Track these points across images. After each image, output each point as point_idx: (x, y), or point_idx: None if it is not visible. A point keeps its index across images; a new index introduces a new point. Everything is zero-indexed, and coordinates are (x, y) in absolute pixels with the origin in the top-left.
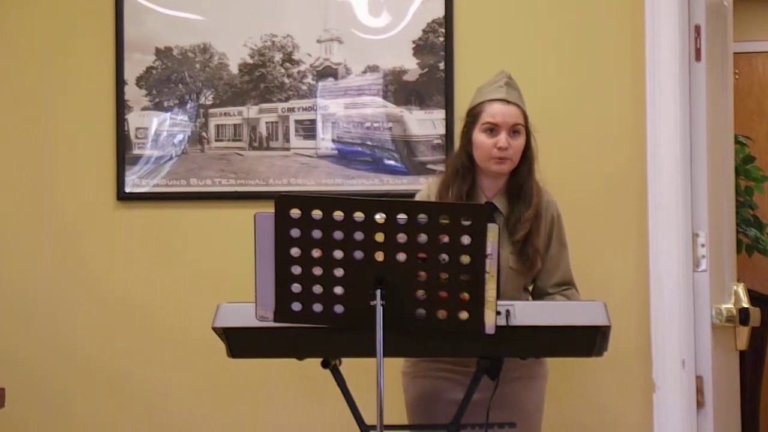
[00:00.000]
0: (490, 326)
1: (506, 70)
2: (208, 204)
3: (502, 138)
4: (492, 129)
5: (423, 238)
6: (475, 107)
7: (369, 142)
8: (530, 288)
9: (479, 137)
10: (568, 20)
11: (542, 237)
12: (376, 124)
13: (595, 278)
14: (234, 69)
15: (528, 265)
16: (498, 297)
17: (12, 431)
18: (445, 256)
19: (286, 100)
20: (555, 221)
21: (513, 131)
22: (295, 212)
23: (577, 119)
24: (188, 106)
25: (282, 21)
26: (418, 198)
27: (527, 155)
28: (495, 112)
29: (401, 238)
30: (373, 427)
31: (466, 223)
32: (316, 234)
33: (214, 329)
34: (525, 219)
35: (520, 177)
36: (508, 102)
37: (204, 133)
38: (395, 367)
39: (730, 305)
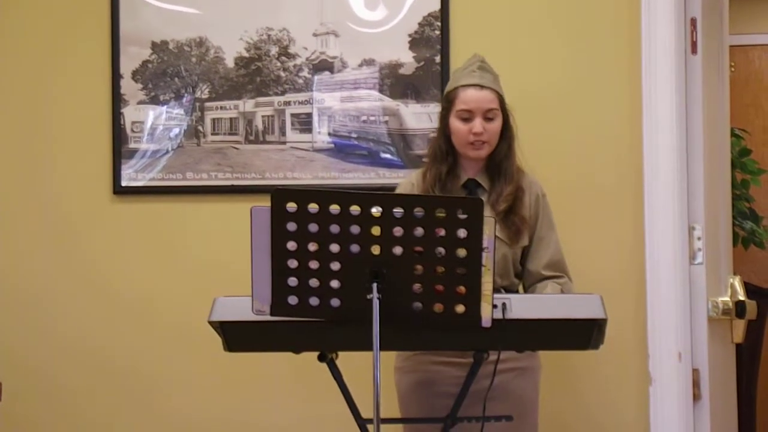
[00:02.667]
0: (486, 319)
1: (479, 54)
2: (204, 198)
3: (477, 124)
4: (467, 115)
5: (419, 231)
6: (449, 93)
7: (365, 136)
8: (520, 275)
9: (455, 123)
10: (564, 12)
11: (527, 209)
12: (372, 118)
13: (592, 271)
14: (230, 63)
15: (514, 231)
16: None
17: (9, 425)
18: (441, 250)
19: (282, 93)
20: (540, 200)
21: (488, 116)
22: (291, 206)
23: (573, 112)
24: (184, 99)
25: (278, 14)
26: (399, 188)
27: (506, 135)
28: (468, 98)
29: (398, 231)
30: (370, 420)
31: (463, 216)
32: (313, 228)
33: (211, 323)
34: (507, 193)
35: (500, 155)
36: (481, 87)
37: (200, 127)
38: (392, 360)
39: (726, 298)
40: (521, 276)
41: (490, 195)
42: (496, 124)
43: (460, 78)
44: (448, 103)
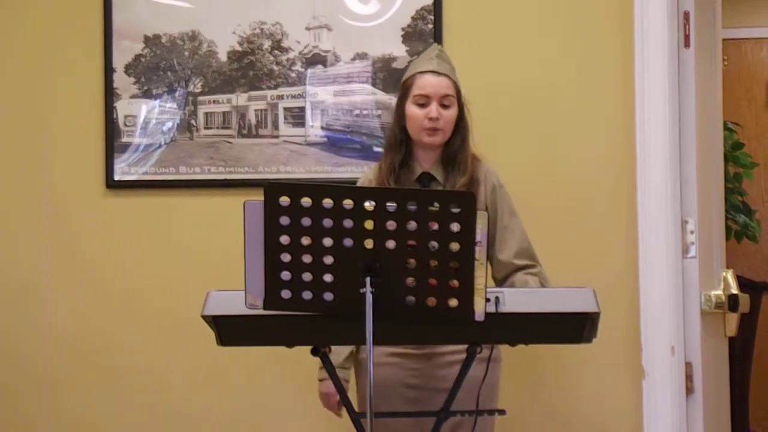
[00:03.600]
0: (479, 313)
1: (439, 44)
2: (197, 192)
3: (433, 109)
4: (423, 101)
5: (412, 225)
6: (406, 80)
7: (358, 130)
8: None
9: (411, 109)
10: (556, 8)
11: (481, 200)
12: (365, 112)
13: (585, 265)
14: (223, 56)
15: None
16: None
17: (2, 417)
18: (434, 244)
19: (275, 87)
20: (497, 189)
21: (443, 103)
22: (284, 200)
23: (566, 106)
24: (177, 93)
25: (271, 8)
26: (359, 183)
27: (460, 126)
28: (426, 83)
29: (391, 225)
30: (363, 414)
31: (456, 210)
32: (306, 222)
33: (204, 317)
34: (460, 184)
35: (454, 146)
36: (438, 73)
37: (193, 121)
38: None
39: (719, 292)
40: (492, 266)
41: (444, 187)
42: (452, 112)
43: (418, 65)
44: (404, 90)
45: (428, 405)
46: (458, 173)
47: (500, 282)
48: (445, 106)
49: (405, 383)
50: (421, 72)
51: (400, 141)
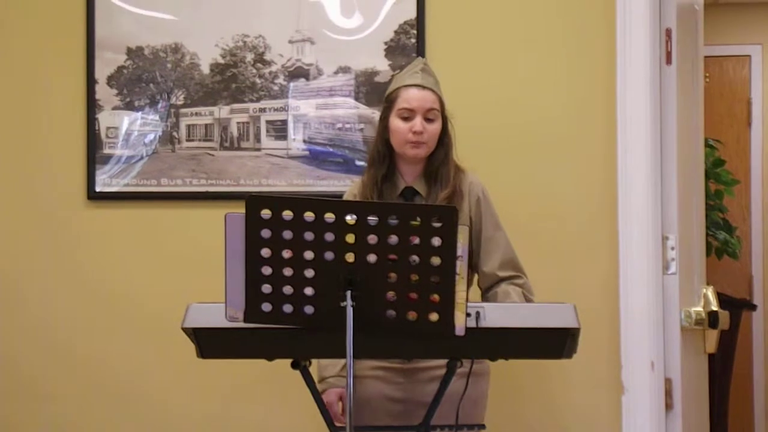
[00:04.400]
0: (460, 328)
1: (423, 58)
2: (178, 204)
3: (417, 122)
4: (408, 114)
5: (393, 239)
6: (391, 93)
7: (340, 143)
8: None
9: (395, 122)
10: (539, 23)
11: (465, 212)
12: (347, 125)
13: (566, 280)
14: (205, 69)
15: None
16: None
17: None
18: (415, 258)
19: (258, 100)
20: (482, 201)
21: (428, 117)
22: (265, 213)
23: (547, 122)
24: (159, 105)
25: (254, 21)
26: (345, 196)
27: (444, 140)
28: (410, 97)
29: (372, 239)
30: (343, 428)
31: (437, 224)
32: (287, 235)
33: (184, 329)
34: (441, 197)
35: (437, 161)
36: (423, 87)
37: (175, 133)
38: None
39: (699, 308)
40: (478, 278)
41: (427, 201)
42: (436, 126)
43: (403, 79)
44: (388, 103)
45: (412, 419)
46: (440, 186)
47: (484, 292)
48: (429, 120)
49: (389, 397)
50: (406, 86)
51: (384, 155)
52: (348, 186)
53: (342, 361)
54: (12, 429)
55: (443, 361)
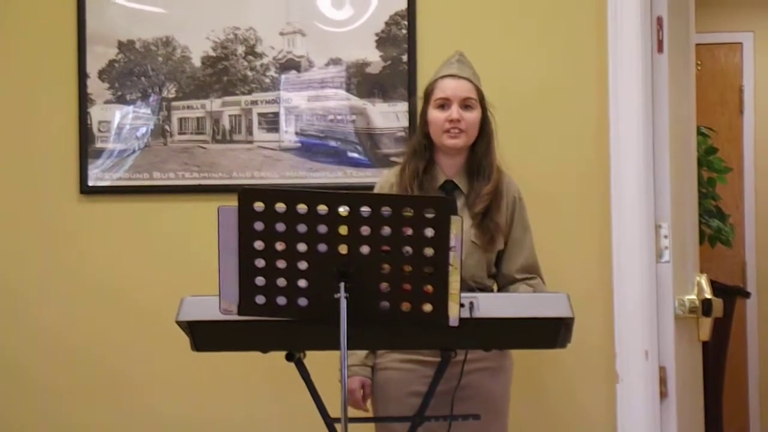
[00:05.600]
0: (453, 318)
1: (460, 50)
2: (171, 197)
3: (454, 111)
4: (444, 104)
5: (387, 230)
6: (428, 87)
7: (332, 135)
8: (495, 276)
9: (433, 113)
10: (531, 11)
11: (503, 212)
12: (339, 117)
13: (559, 270)
14: (197, 62)
15: (488, 238)
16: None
17: None
18: (408, 249)
19: (249, 93)
20: (517, 203)
21: (465, 105)
22: (258, 205)
23: (539, 111)
24: (151, 99)
25: (244, 14)
26: (377, 186)
27: (485, 131)
28: (445, 86)
29: (365, 230)
30: (338, 419)
31: (430, 215)
32: (280, 227)
33: (178, 323)
34: (484, 193)
35: (479, 153)
36: (458, 77)
37: (167, 127)
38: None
39: (693, 296)
40: (495, 277)
41: (468, 196)
42: (474, 115)
43: (440, 71)
44: (426, 96)
45: (440, 412)
46: (483, 181)
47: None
48: (466, 108)
49: (415, 391)
50: (441, 77)
51: (424, 147)
52: (341, 177)
53: (363, 351)
54: (10, 424)
55: (479, 354)
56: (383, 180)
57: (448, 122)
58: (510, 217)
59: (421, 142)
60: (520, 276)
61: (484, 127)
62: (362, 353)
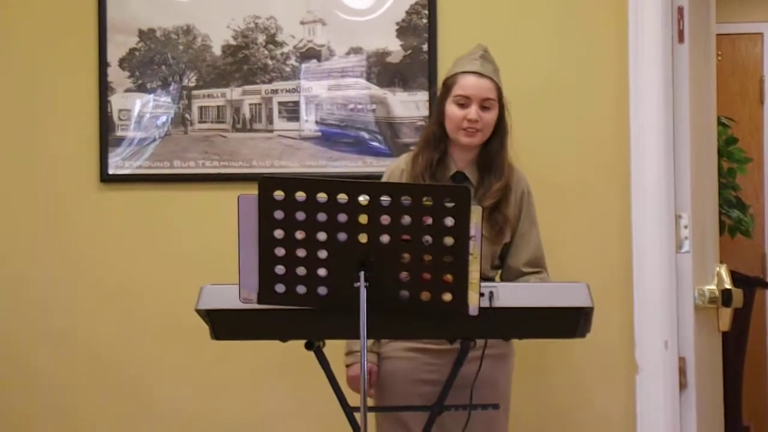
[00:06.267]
0: (473, 308)
1: (483, 44)
2: (191, 186)
3: (473, 111)
4: (463, 101)
5: (406, 219)
6: (449, 78)
7: (352, 124)
8: (498, 267)
9: (450, 108)
10: (552, 1)
11: (512, 207)
12: (359, 106)
13: (579, 259)
14: (217, 51)
15: (497, 231)
16: None
17: None
18: (428, 238)
19: (270, 81)
20: (525, 197)
21: (484, 105)
22: (278, 194)
23: (560, 102)
24: (171, 87)
25: (265, 3)
26: (388, 171)
27: (500, 128)
28: (467, 84)
29: (385, 219)
30: (357, 408)
31: (450, 204)
32: (300, 216)
33: (198, 311)
34: (495, 189)
35: (492, 150)
36: (481, 75)
37: (187, 115)
38: None
39: (712, 286)
40: (498, 268)
41: (478, 189)
42: (492, 115)
43: (462, 65)
44: (446, 88)
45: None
46: (494, 177)
47: None
48: (485, 108)
49: (420, 379)
50: (464, 72)
51: (439, 137)
52: (361, 167)
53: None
54: (21, 418)
55: (481, 343)
56: (394, 165)
57: (466, 121)
58: (518, 211)
59: (435, 132)
60: (526, 269)
61: (500, 124)
62: (369, 340)
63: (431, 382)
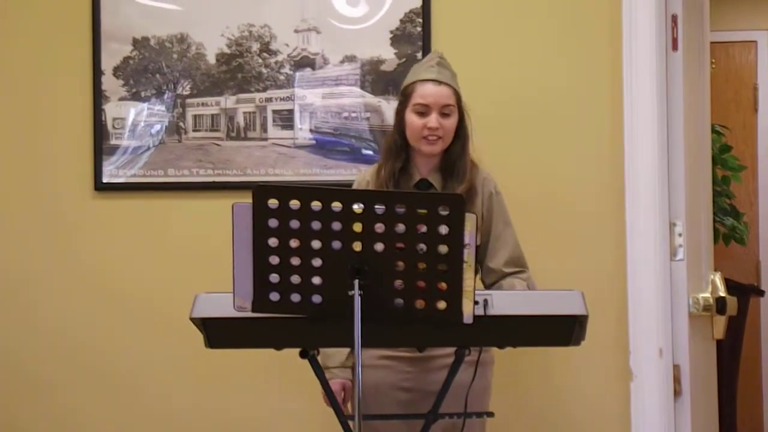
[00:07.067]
0: (468, 316)
1: (439, 50)
2: (185, 194)
3: (433, 119)
4: (423, 110)
5: (401, 227)
6: (407, 87)
7: (347, 132)
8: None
9: (410, 117)
10: (546, 9)
11: (479, 208)
12: (353, 114)
13: (573, 267)
14: (211, 59)
15: None
16: None
17: None
18: (422, 246)
19: (264, 90)
20: (494, 197)
21: (444, 112)
22: (272, 202)
23: (554, 108)
24: (165, 96)
25: (259, 11)
26: (355, 184)
27: (460, 134)
28: (426, 93)
29: (379, 228)
30: (351, 416)
31: (444, 212)
32: (294, 224)
33: (192, 320)
34: (458, 192)
35: (453, 154)
36: (439, 82)
37: (181, 124)
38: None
39: (707, 294)
40: (478, 272)
41: None
42: (452, 121)
43: (419, 73)
44: (404, 97)
45: (420, 408)
46: (456, 181)
47: (488, 287)
48: (445, 115)
49: (397, 386)
50: (422, 80)
51: (400, 147)
52: (355, 175)
53: (345, 351)
54: (19, 421)
55: (452, 350)
56: (360, 177)
57: (426, 129)
58: (486, 212)
59: (397, 141)
60: (508, 270)
61: (460, 129)
62: (342, 355)
63: (407, 390)
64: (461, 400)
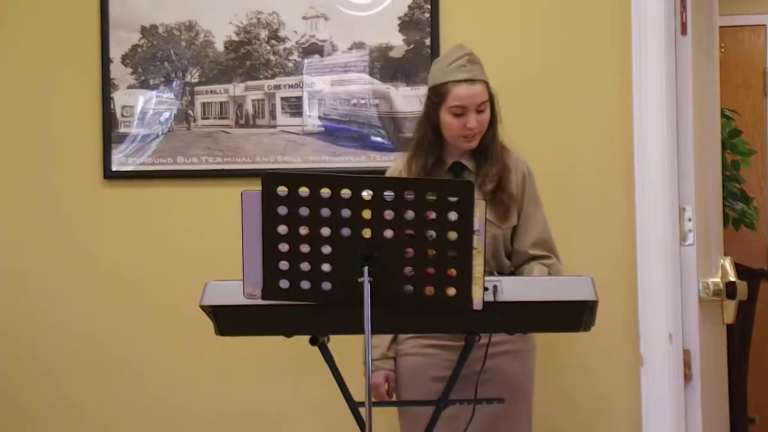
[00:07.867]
0: (477, 302)
1: (465, 45)
2: (194, 182)
3: (471, 119)
4: (460, 111)
5: (410, 214)
6: (440, 87)
7: (355, 119)
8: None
9: (447, 118)
10: None
11: (514, 186)
12: (362, 101)
13: (583, 253)
14: (220, 46)
15: (503, 211)
16: None
17: None
18: (432, 233)
19: (272, 77)
20: (527, 177)
21: (479, 109)
22: (281, 190)
23: (563, 94)
24: (174, 84)
25: None
26: (388, 174)
27: (493, 120)
28: (462, 95)
29: (388, 214)
30: (362, 403)
31: (453, 199)
32: (303, 211)
33: (202, 307)
34: (493, 173)
35: (486, 139)
36: (473, 81)
37: (190, 111)
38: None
39: (717, 279)
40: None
41: (477, 176)
42: (487, 114)
43: (451, 72)
44: (438, 97)
45: (457, 396)
46: (490, 163)
47: (514, 270)
48: (480, 111)
49: (435, 376)
50: (455, 81)
51: (433, 142)
52: (364, 162)
53: (385, 341)
54: (23, 413)
55: (501, 337)
56: (393, 168)
57: (466, 129)
58: (521, 191)
59: (429, 137)
60: (534, 252)
61: (492, 116)
62: (384, 346)
63: (446, 379)
64: (506, 387)
